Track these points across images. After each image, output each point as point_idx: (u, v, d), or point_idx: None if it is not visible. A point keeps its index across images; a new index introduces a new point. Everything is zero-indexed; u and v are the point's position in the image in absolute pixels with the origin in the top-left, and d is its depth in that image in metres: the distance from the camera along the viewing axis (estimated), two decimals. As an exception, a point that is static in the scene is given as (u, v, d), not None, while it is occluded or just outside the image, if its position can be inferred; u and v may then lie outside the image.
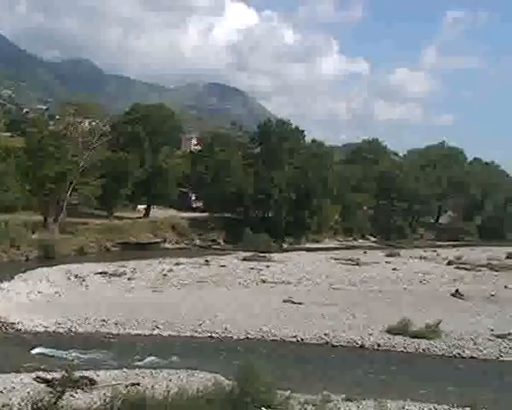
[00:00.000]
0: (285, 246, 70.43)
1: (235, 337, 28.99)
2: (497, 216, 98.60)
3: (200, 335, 29.15)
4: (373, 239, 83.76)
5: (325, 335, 29.62)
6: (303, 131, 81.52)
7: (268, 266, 51.63)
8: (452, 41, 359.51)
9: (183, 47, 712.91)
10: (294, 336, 29.32)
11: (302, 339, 29.14)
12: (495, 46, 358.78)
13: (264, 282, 44.51)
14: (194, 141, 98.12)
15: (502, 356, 28.29)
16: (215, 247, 68.38)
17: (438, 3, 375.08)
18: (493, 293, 43.83)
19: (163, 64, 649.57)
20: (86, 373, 21.15)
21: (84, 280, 41.90)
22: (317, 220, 74.88)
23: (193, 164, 78.22)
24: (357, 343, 28.88)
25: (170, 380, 21.18)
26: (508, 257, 65.05)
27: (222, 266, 51.09)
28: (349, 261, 57.29)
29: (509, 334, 31.27)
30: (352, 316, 33.83)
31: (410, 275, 50.64)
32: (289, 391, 19.26)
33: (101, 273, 44.34)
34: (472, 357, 27.98)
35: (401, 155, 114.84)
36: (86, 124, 68.48)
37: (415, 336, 29.75)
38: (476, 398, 20.65)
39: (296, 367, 24.78)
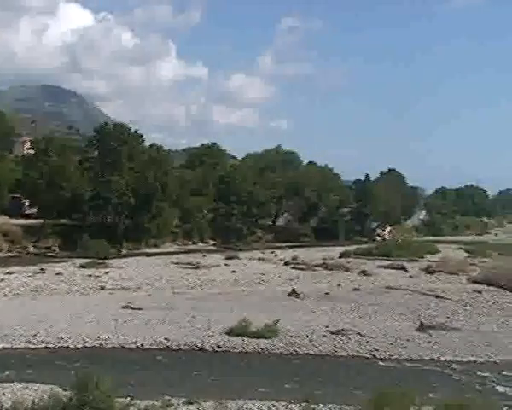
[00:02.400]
0: (124, 252, 69.27)
1: (71, 347, 28.04)
2: (331, 218, 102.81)
3: (35, 346, 27.91)
4: (212, 242, 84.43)
5: (165, 339, 29.41)
6: (142, 136, 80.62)
7: (106, 273, 50.53)
8: (287, 48, 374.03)
9: (16, 47, 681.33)
10: (134, 343, 28.85)
11: (142, 345, 28.73)
12: (327, 54, 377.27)
13: (102, 288, 43.51)
14: (27, 145, 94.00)
15: (336, 351, 29.48)
16: (51, 254, 65.79)
17: (273, 11, 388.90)
18: (328, 291, 45.62)
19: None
20: None
21: None
22: (156, 225, 74.36)
23: (26, 168, 74.93)
24: (197, 346, 28.94)
25: (3, 394, 20.11)
26: (341, 256, 67.98)
27: (58, 273, 49.26)
28: (189, 265, 57.37)
29: (343, 330, 32.70)
30: (193, 319, 33.85)
31: (248, 276, 51.54)
32: (129, 398, 18.94)
33: None
34: (308, 354, 28.96)
35: (239, 158, 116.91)
36: None
37: (254, 336, 30.28)
38: (312, 393, 21.37)
39: (136, 374, 24.39)
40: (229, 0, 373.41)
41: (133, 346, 28.62)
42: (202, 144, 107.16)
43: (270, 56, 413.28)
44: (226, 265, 59.18)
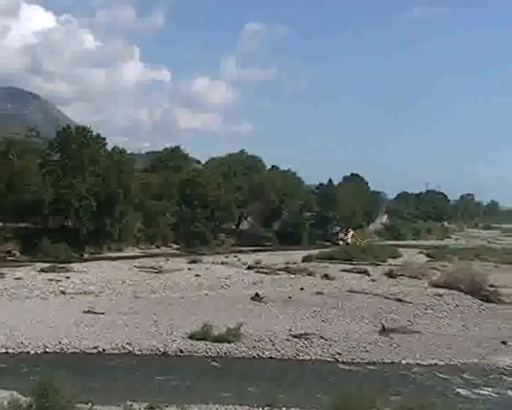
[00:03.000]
0: (86, 256, 68.56)
1: (32, 352, 27.66)
2: (294, 222, 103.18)
3: (-6, 352, 27.48)
4: (175, 246, 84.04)
5: (128, 344, 29.21)
6: (104, 139, 79.92)
7: (68, 277, 49.94)
8: (251, 52, 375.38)
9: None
10: (95, 347, 28.59)
11: (104, 350, 28.48)
12: (291, 58, 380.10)
13: (63, 293, 42.99)
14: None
15: (299, 355, 29.61)
16: (11, 258, 64.78)
17: (238, 15, 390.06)
18: (291, 295, 45.77)
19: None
20: None
21: None
22: (119, 229, 73.76)
23: (-15, 172, 73.66)
24: (159, 351, 28.81)
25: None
26: (304, 261, 68.24)
27: (17, 278, 48.48)
28: (152, 269, 56.99)
29: (306, 334, 32.87)
30: (156, 323, 33.69)
31: (212, 281, 51.43)
32: (90, 404, 18.76)
33: None
34: (271, 357, 29.04)
35: (203, 162, 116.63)
36: None
37: (217, 340, 30.26)
38: (275, 397, 21.42)
39: (98, 379, 24.17)
40: (194, 4, 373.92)
41: (94, 351, 28.35)
42: (166, 148, 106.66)
43: (235, 60, 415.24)
44: (189, 269, 58.93)
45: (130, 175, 77.24)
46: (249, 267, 61.35)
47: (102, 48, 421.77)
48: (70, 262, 58.34)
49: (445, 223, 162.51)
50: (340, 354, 29.97)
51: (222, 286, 49.26)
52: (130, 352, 28.52)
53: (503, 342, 34.25)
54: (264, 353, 29.41)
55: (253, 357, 28.98)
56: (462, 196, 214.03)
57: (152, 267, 57.96)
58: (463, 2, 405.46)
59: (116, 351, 28.48)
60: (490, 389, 26.37)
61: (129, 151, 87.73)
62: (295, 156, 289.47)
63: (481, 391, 25.98)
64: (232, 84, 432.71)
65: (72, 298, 41.39)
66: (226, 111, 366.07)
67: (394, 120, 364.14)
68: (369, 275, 58.66)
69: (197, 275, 54.28)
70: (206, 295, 45.18)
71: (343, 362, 29.07)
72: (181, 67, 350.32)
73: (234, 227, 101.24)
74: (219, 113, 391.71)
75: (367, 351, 30.78)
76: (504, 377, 28.19)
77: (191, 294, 45.08)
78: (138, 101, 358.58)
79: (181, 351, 28.98)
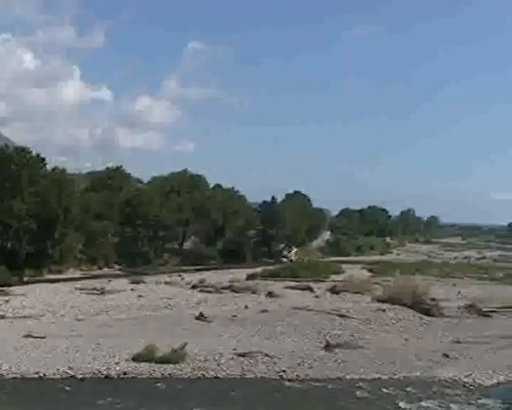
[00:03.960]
0: (26, 278, 66.93)
1: (-31, 379, 26.85)
2: (238, 240, 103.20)
3: None
4: (118, 267, 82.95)
5: (70, 368, 28.59)
6: (44, 159, 78.60)
7: (7, 301, 48.57)
8: (193, 72, 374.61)
9: None
10: (37, 373, 27.88)
11: (45, 375, 27.80)
12: (231, 78, 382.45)
13: (2, 317, 41.81)
14: None
15: (244, 374, 29.53)
16: None
17: (180, 35, 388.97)
18: (235, 314, 45.62)
19: None
20: None
21: None
22: (59, 250, 72.44)
23: None
24: (102, 374, 28.30)
25: None
26: (248, 279, 68.17)
27: (-46, 303, 47.11)
28: (94, 291, 56.01)
29: (251, 352, 32.77)
30: (98, 346, 33.03)
31: (155, 301, 50.87)
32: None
33: None
34: (216, 377, 28.87)
35: (145, 181, 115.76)
36: None
37: (161, 361, 29.93)
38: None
39: (40, 405, 23.62)
40: (135, 22, 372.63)
41: (35, 376, 27.65)
42: (107, 168, 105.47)
43: (176, 80, 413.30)
44: (132, 289, 58.17)
45: (70, 195, 76.02)
46: (193, 287, 60.94)
47: (42, 67, 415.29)
48: (9, 285, 56.90)
49: (387, 238, 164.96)
50: (285, 371, 30.01)
51: (166, 306, 48.75)
52: (72, 376, 27.92)
53: (445, 355, 34.85)
54: (209, 373, 29.22)
55: (198, 377, 28.77)
56: (402, 212, 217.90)
57: (94, 289, 56.98)
58: (395, 24, 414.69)
59: (58, 376, 27.84)
60: (432, 401, 26.78)
61: (69, 171, 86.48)
62: (238, 174, 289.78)
63: (424, 404, 26.38)
64: (174, 103, 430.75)
65: (11, 322, 40.29)
66: (168, 130, 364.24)
67: (336, 135, 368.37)
68: (312, 291, 58.96)
69: (140, 296, 53.63)
70: (150, 315, 44.61)
71: (288, 379, 29.11)
72: (122, 86, 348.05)
73: (177, 246, 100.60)
74: (161, 132, 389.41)
75: (312, 367, 30.90)
76: (446, 390, 28.67)
77: (134, 315, 44.46)
78: (79, 120, 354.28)
79: (124, 373, 28.53)
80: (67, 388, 26.43)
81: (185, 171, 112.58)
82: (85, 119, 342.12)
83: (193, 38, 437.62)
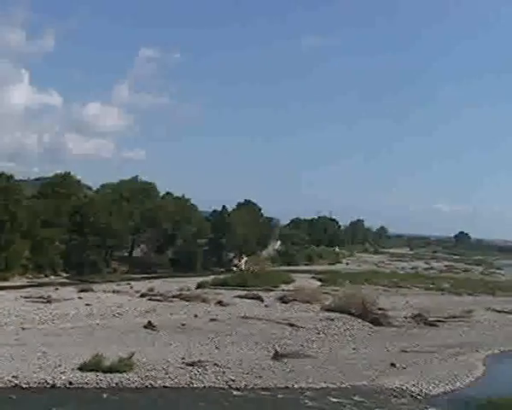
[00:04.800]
0: (-30, 286, 65.55)
1: None
2: (188, 248, 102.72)
3: None
4: (65, 275, 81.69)
5: (14, 377, 27.97)
6: (-10, 164, 77.45)
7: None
8: (145, 78, 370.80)
9: None
10: (-21, 382, 27.24)
11: (-13, 385, 27.17)
12: (183, 86, 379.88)
13: None
14: None
15: (192, 383, 29.37)
16: None
17: (131, 41, 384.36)
18: (184, 322, 45.37)
19: None
20: None
21: None
22: (5, 258, 71.00)
23: None
24: (48, 383, 27.78)
25: None
26: (198, 287, 67.88)
27: None
28: (40, 299, 54.97)
29: (199, 361, 32.63)
30: (44, 355, 32.43)
31: (103, 309, 50.20)
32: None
33: None
34: (164, 386, 28.65)
35: (95, 189, 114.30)
36: None
37: (108, 370, 29.53)
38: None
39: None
40: (85, 28, 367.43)
41: (-22, 386, 27.00)
42: (56, 174, 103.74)
43: (128, 86, 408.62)
44: (80, 298, 57.28)
45: (17, 202, 74.68)
46: (142, 295, 60.36)
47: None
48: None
49: (337, 248, 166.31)
50: (233, 380, 29.96)
51: (114, 315, 48.17)
52: (16, 385, 27.34)
53: (392, 364, 35.28)
54: (156, 382, 28.96)
55: (146, 386, 28.50)
56: (351, 222, 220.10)
57: (40, 297, 55.90)
58: (352, 31, 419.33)
59: (1, 385, 27.23)
60: (379, 410, 27.03)
61: (17, 177, 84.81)
62: (190, 183, 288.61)
63: (371, 413, 26.59)
64: (125, 110, 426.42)
65: (-47, 331, 39.30)
66: (119, 137, 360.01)
67: (285, 146, 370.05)
68: (262, 301, 59.01)
69: (88, 304, 52.83)
70: (98, 324, 44.02)
71: (237, 388, 29.08)
72: (72, 91, 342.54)
73: (126, 254, 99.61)
74: (112, 138, 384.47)
75: (260, 377, 30.90)
76: (393, 399, 29.02)
77: (82, 324, 43.79)
78: (27, 125, 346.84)
79: (70, 383, 28.06)
80: (12, 396, 25.86)
81: (136, 178, 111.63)
82: (34, 124, 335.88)
83: (145, 44, 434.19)
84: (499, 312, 60.90)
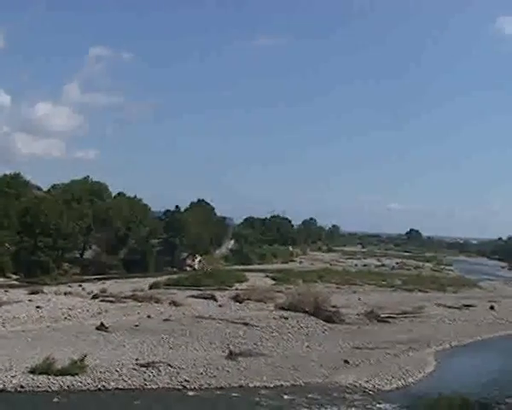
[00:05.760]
0: None
1: None
2: (141, 249, 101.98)
3: None
4: (15, 277, 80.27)
5: (-38, 382, 27.37)
6: None
7: None
8: (95, 77, 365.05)
9: None
10: None
11: None
12: (136, 85, 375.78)
13: None
14: None
15: (146, 384, 29.14)
16: None
17: (81, 40, 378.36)
18: (137, 323, 45.00)
19: None
20: None
21: None
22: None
23: None
24: (-3, 387, 27.23)
25: None
26: (151, 288, 67.37)
27: None
28: (-12, 302, 53.92)
29: (153, 362, 32.39)
30: (-7, 359, 31.81)
31: (54, 312, 49.36)
32: None
33: None
34: (117, 388, 28.35)
35: (45, 189, 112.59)
36: None
37: (60, 373, 29.08)
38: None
39: None
40: (35, 27, 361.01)
41: None
42: (4, 174, 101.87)
43: (78, 85, 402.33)
44: (30, 300, 56.15)
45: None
46: (94, 296, 59.59)
47: None
48: None
49: (290, 247, 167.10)
50: (188, 381, 29.83)
51: (65, 317, 47.44)
52: (-36, 391, 26.75)
53: (345, 361, 35.59)
54: (110, 384, 28.63)
55: (99, 389, 28.15)
56: (304, 221, 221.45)
57: (-12, 300, 54.80)
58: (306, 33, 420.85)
59: None
60: (333, 407, 27.26)
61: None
62: (142, 183, 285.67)
63: (325, 410, 26.77)
64: (76, 109, 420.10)
65: None
66: (70, 137, 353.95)
67: (244, 148, 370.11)
68: (216, 300, 58.89)
69: (38, 307, 51.86)
70: (49, 327, 43.32)
71: (191, 389, 28.98)
72: (21, 90, 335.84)
73: (78, 256, 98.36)
74: (62, 138, 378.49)
75: (215, 376, 30.84)
76: (347, 395, 29.27)
77: (32, 326, 43.01)
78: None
79: (21, 387, 27.55)
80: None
81: (86, 178, 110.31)
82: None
83: (95, 42, 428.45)
84: (449, 307, 61.92)
